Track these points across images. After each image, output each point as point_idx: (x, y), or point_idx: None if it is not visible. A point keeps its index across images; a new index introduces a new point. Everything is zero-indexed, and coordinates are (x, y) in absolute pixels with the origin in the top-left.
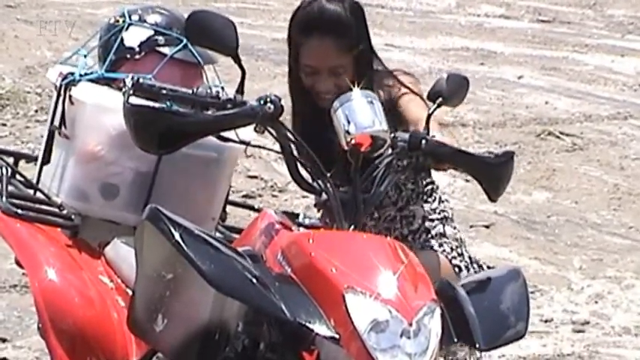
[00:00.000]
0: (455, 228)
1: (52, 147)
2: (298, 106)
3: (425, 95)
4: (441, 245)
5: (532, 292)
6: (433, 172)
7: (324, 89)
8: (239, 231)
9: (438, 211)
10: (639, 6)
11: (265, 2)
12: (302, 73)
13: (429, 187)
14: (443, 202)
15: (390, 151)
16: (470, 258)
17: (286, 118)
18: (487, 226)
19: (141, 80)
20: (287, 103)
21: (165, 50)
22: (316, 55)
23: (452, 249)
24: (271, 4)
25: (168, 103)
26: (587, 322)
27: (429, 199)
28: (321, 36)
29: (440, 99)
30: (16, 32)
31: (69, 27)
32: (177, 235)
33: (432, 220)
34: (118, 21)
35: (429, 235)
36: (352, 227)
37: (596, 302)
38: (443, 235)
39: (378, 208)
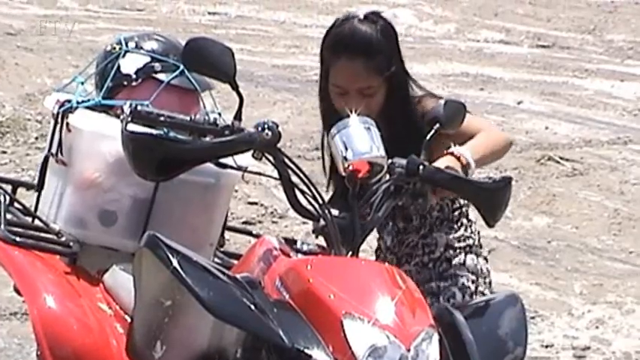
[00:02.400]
0: (478, 256)
1: (47, 173)
2: (326, 127)
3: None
4: (456, 277)
5: (532, 318)
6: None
7: (352, 108)
8: (237, 257)
9: (462, 238)
10: (638, 31)
11: (265, 28)
12: (332, 92)
13: (457, 212)
14: (469, 227)
15: (387, 177)
16: (489, 289)
17: (285, 143)
18: (487, 252)
19: (139, 107)
20: (287, 128)
21: (162, 77)
22: (346, 75)
23: (471, 282)
24: (271, 30)
25: (165, 130)
26: (588, 348)
27: (455, 226)
28: (351, 57)
29: (437, 125)
30: (17, 59)
31: (69, 54)
32: (175, 262)
33: (455, 249)
34: (114, 48)
35: (449, 265)
36: (350, 253)
37: (597, 327)
38: (463, 264)
39: (400, 234)
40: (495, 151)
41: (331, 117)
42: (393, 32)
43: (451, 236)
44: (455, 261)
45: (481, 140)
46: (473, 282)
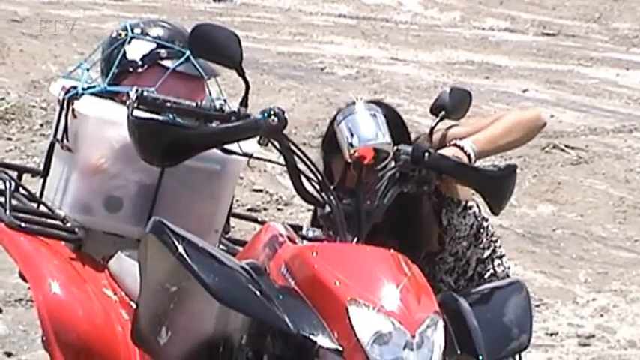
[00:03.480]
0: (501, 257)
1: (53, 160)
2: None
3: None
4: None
5: (537, 306)
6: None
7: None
8: (243, 243)
9: (486, 246)
10: None
11: (270, 16)
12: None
13: (477, 221)
14: (487, 229)
15: (393, 164)
16: None
17: (290, 131)
18: None
19: (145, 93)
20: (292, 116)
21: (168, 63)
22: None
23: None
24: (276, 17)
25: (172, 116)
26: (593, 336)
27: (480, 235)
28: None
29: (443, 112)
30: (22, 47)
31: (74, 41)
32: (180, 248)
33: (484, 261)
34: (120, 34)
35: (482, 280)
36: (355, 240)
37: (602, 315)
38: (494, 275)
39: (438, 264)
40: (512, 138)
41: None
42: (397, 118)
43: (478, 248)
44: (485, 273)
45: (487, 132)
46: None
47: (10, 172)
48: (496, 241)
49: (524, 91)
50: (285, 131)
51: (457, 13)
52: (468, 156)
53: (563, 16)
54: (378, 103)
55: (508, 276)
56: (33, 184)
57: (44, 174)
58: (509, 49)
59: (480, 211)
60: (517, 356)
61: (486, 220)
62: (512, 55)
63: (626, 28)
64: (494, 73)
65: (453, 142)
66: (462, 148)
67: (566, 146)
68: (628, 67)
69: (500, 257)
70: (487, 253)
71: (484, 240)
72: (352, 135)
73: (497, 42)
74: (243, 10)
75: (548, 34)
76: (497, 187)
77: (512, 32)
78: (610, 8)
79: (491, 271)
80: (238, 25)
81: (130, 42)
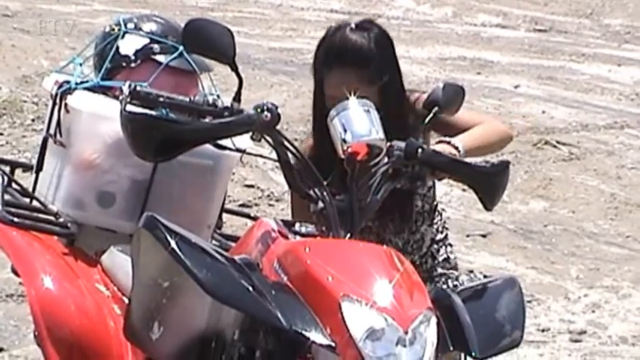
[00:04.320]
0: (452, 247)
1: (45, 154)
2: (318, 135)
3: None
4: (444, 277)
5: (529, 302)
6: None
7: (353, 93)
8: (235, 239)
9: (440, 229)
10: (636, 15)
11: (262, 11)
12: (327, 102)
13: (434, 202)
14: (441, 215)
15: (386, 159)
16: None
17: (282, 126)
18: (484, 236)
19: (138, 88)
20: (284, 111)
21: (161, 58)
22: (338, 86)
23: (455, 279)
24: (268, 13)
25: (165, 111)
26: (584, 332)
27: (435, 216)
28: (343, 67)
29: (436, 108)
30: (13, 41)
31: (66, 36)
32: (173, 243)
33: (437, 243)
34: (113, 29)
35: (436, 262)
36: (348, 235)
37: (593, 312)
38: (447, 260)
39: (394, 234)
40: (491, 143)
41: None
42: (386, 40)
43: (433, 228)
44: (438, 256)
45: (474, 132)
46: (457, 278)
47: (3, 167)
48: (447, 228)
49: (516, 87)
50: (278, 126)
51: (449, 8)
52: (458, 151)
53: (555, 12)
54: (371, 21)
55: (457, 265)
56: (25, 179)
57: (37, 169)
58: (501, 45)
59: (434, 192)
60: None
61: (438, 204)
62: (504, 51)
63: (617, 24)
64: (486, 69)
65: (443, 138)
66: (452, 145)
67: (558, 142)
68: (620, 63)
69: (451, 245)
70: (440, 236)
71: (438, 222)
72: (345, 131)
73: (489, 38)
74: (235, 6)
75: (540, 30)
76: (490, 182)
77: (504, 28)
78: (602, 4)
79: (445, 255)
80: (230, 21)
81: (123, 37)
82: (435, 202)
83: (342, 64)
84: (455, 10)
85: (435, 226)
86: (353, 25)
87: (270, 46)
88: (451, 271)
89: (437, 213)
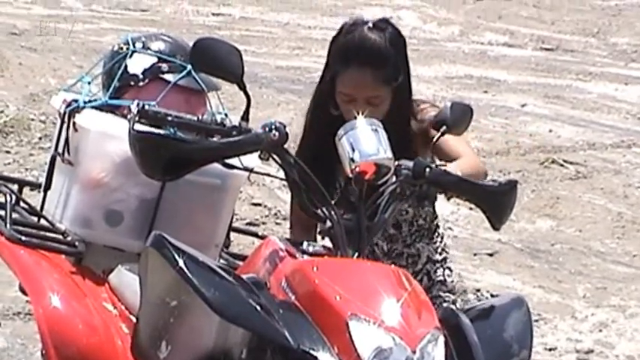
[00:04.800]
0: (451, 270)
1: (54, 173)
2: (312, 129)
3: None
4: (439, 299)
5: (536, 321)
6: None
7: (361, 112)
8: (243, 258)
9: (439, 250)
10: None
11: (269, 30)
12: (338, 98)
13: (435, 222)
14: (443, 239)
15: (394, 179)
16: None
17: (291, 145)
18: (491, 254)
19: (146, 107)
20: (292, 130)
21: (169, 77)
22: (354, 84)
23: (452, 302)
24: (275, 31)
25: (173, 130)
26: (591, 351)
27: (434, 237)
28: (360, 66)
29: (444, 127)
30: (21, 60)
31: (73, 54)
32: (181, 262)
33: (435, 263)
34: (122, 48)
35: (431, 282)
36: (356, 255)
37: (600, 331)
38: (443, 283)
39: (388, 242)
40: (477, 176)
41: (318, 121)
42: (401, 41)
43: (431, 247)
44: (434, 277)
45: (464, 161)
46: (453, 302)
47: (11, 186)
48: (448, 252)
49: (522, 105)
50: (285, 145)
51: (456, 27)
52: None
53: (562, 30)
54: (387, 21)
55: (455, 287)
56: (33, 198)
57: (45, 187)
58: (507, 64)
59: (434, 209)
60: None
61: (439, 227)
62: (511, 70)
63: (624, 43)
64: (492, 88)
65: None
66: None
67: (565, 161)
68: (627, 82)
69: (450, 269)
70: (438, 257)
71: (438, 243)
72: (353, 150)
73: (495, 56)
74: (242, 24)
75: (546, 49)
76: (498, 202)
77: (511, 47)
78: (609, 23)
79: (441, 277)
80: (237, 39)
81: (131, 56)
82: (436, 222)
83: (360, 62)
84: (462, 28)
85: (434, 246)
86: (370, 24)
87: (277, 64)
88: (447, 294)
89: (437, 234)
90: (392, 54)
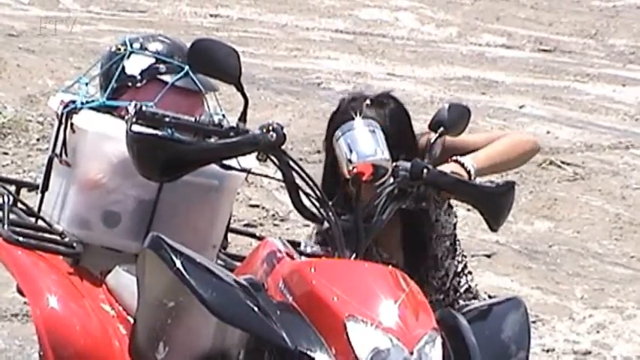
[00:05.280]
0: (471, 274)
1: (51, 174)
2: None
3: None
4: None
5: (534, 322)
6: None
7: (366, 197)
8: (241, 259)
9: (460, 259)
10: None
11: (267, 31)
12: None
13: (455, 231)
14: (460, 244)
15: (391, 180)
16: None
17: (287, 146)
18: (488, 256)
19: (144, 108)
20: (289, 131)
21: (167, 78)
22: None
23: None
24: (273, 33)
25: (170, 131)
26: (589, 352)
27: (457, 247)
28: None
29: (441, 128)
30: (18, 61)
31: (71, 56)
32: (178, 263)
33: (459, 274)
34: (119, 49)
35: (457, 294)
36: (354, 256)
37: (598, 332)
38: (469, 290)
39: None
40: (508, 159)
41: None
42: (403, 115)
43: (455, 260)
44: (460, 288)
45: (488, 150)
46: None
47: (8, 187)
48: (465, 256)
49: (520, 107)
50: (283, 146)
51: (454, 28)
52: (468, 172)
53: (559, 32)
54: (388, 95)
55: (477, 293)
56: (30, 199)
57: (43, 188)
58: (505, 65)
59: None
60: None
61: (456, 234)
62: (509, 71)
63: (622, 44)
64: (490, 89)
65: (454, 157)
66: (462, 165)
67: (563, 162)
68: (625, 83)
69: (471, 273)
70: (460, 267)
71: (458, 251)
72: (351, 151)
73: (493, 58)
74: (240, 25)
75: (544, 50)
76: (495, 203)
77: (509, 48)
78: (607, 24)
79: (466, 286)
80: (235, 41)
81: (129, 57)
82: (456, 235)
83: None
84: (459, 30)
85: (457, 257)
86: (369, 101)
87: (275, 65)
88: (473, 301)
89: (458, 242)
90: (391, 133)
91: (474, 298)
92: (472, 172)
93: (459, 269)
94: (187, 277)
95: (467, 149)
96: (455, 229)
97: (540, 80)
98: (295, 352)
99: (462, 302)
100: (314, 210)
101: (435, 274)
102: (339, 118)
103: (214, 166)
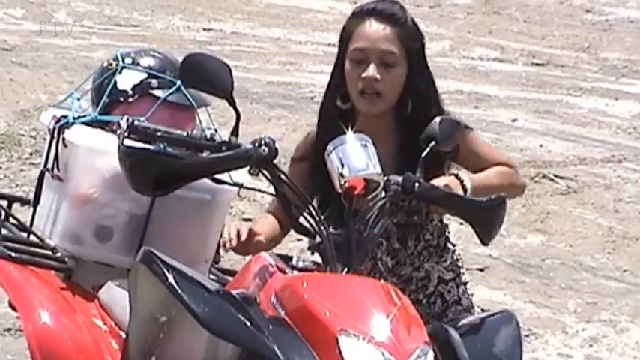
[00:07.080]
0: (465, 286)
1: (43, 189)
2: (323, 125)
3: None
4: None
5: (527, 336)
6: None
7: (370, 75)
8: (233, 273)
9: (450, 267)
10: (633, 49)
11: (260, 45)
12: (350, 64)
13: (443, 237)
14: (454, 253)
15: (383, 194)
16: None
17: (281, 160)
18: (481, 269)
19: (136, 122)
20: (281, 145)
21: (159, 93)
22: (369, 36)
23: None
24: (266, 47)
25: (162, 146)
26: None
27: (444, 254)
28: (376, 19)
29: (433, 142)
30: (11, 75)
31: (64, 70)
32: (170, 278)
33: (447, 282)
34: (111, 64)
35: (445, 305)
36: (346, 270)
37: (591, 345)
38: (458, 303)
39: (393, 256)
40: (501, 188)
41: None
42: (414, 24)
43: (441, 266)
44: (449, 297)
45: (490, 173)
46: None
47: (0, 201)
48: (461, 267)
49: (513, 120)
50: (275, 161)
51: (446, 42)
52: (464, 187)
53: (552, 45)
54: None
55: (472, 305)
56: (22, 213)
57: (34, 203)
58: (498, 79)
59: (448, 231)
60: None
61: (454, 245)
62: (502, 85)
63: (615, 58)
64: (483, 103)
65: (454, 172)
66: (460, 181)
67: (556, 176)
68: (617, 97)
69: (465, 284)
70: (450, 275)
71: (448, 260)
72: (343, 165)
73: (486, 71)
74: (233, 40)
75: (537, 64)
76: (486, 217)
77: (502, 62)
78: (599, 38)
79: (455, 297)
80: (228, 55)
81: (120, 71)
82: (445, 237)
83: (377, 16)
84: (452, 44)
85: (445, 264)
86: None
87: (268, 79)
88: (465, 314)
89: (447, 249)
90: (407, 21)
91: (466, 310)
92: (468, 188)
93: (447, 277)
94: (179, 291)
95: (478, 158)
96: (444, 230)
97: (533, 94)
98: None
99: (450, 315)
100: (306, 224)
101: (413, 273)
102: (355, 10)
103: (206, 181)
